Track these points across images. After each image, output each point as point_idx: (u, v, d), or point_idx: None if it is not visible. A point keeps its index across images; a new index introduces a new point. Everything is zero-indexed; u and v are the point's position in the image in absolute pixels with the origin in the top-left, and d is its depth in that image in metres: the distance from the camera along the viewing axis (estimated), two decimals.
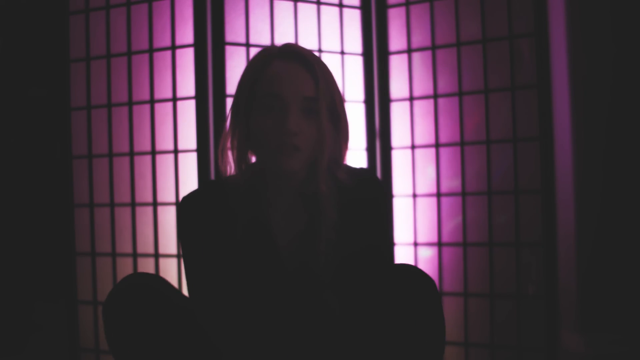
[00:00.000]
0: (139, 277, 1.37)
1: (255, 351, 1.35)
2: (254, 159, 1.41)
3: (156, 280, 1.38)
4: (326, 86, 1.33)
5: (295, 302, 1.34)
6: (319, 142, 1.32)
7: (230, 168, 1.38)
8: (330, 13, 2.38)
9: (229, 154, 1.36)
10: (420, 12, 2.41)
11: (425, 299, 1.26)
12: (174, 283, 2.26)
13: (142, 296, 1.31)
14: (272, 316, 1.34)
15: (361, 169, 1.44)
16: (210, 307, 1.35)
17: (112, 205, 2.33)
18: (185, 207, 1.39)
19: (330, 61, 2.37)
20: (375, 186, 1.42)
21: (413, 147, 2.43)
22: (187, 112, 2.24)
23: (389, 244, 1.47)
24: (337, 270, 1.35)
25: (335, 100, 1.35)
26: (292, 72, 1.32)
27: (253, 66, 1.35)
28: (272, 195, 1.38)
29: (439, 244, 2.38)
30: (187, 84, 2.24)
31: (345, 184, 1.38)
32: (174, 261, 2.26)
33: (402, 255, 2.42)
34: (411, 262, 2.42)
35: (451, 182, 2.38)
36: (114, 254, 2.33)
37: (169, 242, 2.27)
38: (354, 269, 1.36)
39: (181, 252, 1.42)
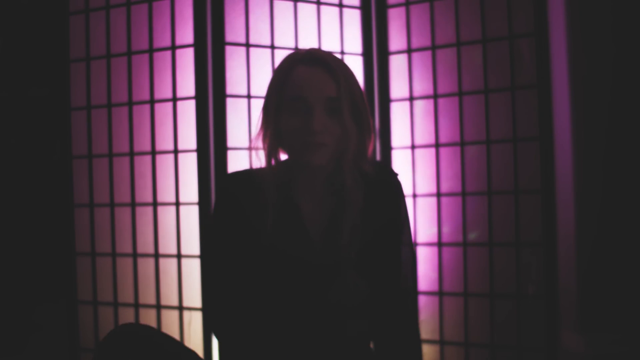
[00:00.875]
0: (129, 326, 1.45)
1: (281, 336, 1.47)
2: (283, 157, 1.52)
3: (147, 330, 1.45)
4: (347, 86, 1.44)
5: (322, 285, 1.44)
6: (344, 138, 1.43)
7: (261, 163, 1.49)
8: (330, 13, 2.39)
9: (260, 150, 1.48)
10: (420, 12, 2.41)
11: None
12: (174, 283, 2.26)
13: (130, 344, 1.39)
14: (300, 298, 1.45)
15: (380, 163, 1.61)
16: (234, 290, 1.47)
17: (112, 205, 2.33)
18: (227, 184, 1.51)
19: None
20: (393, 174, 1.56)
21: (413, 147, 2.43)
22: (187, 112, 2.24)
23: (409, 224, 1.60)
24: (362, 257, 1.46)
25: (356, 99, 1.47)
26: (315, 76, 1.43)
27: (280, 71, 1.47)
28: (301, 187, 1.49)
29: (439, 244, 2.38)
30: (187, 84, 2.24)
31: (370, 175, 1.50)
32: (174, 261, 2.26)
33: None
34: None
35: (451, 182, 2.38)
36: (114, 254, 2.33)
37: (169, 242, 2.28)
38: (379, 257, 1.49)
39: (212, 230, 1.52)
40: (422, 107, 2.42)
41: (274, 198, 1.46)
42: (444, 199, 2.38)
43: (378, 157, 2.45)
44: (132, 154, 2.31)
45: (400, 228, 1.55)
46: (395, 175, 1.57)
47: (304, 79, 1.42)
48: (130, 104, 2.31)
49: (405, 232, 1.56)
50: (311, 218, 1.49)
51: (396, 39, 2.45)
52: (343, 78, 1.44)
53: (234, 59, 2.22)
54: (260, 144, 1.48)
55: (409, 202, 2.43)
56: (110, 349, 1.38)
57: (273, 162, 1.48)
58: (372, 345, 1.56)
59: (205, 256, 1.53)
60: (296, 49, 2.30)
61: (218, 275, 1.48)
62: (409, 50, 2.43)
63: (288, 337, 1.47)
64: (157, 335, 1.44)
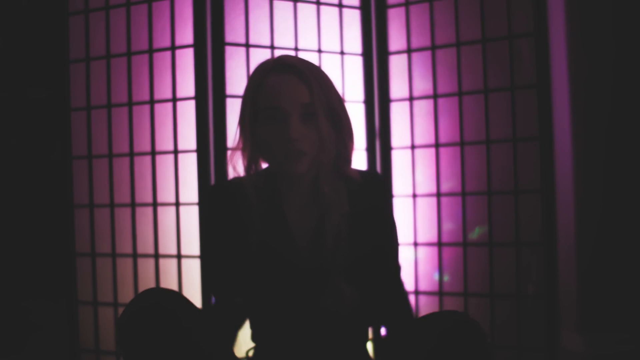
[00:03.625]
0: (154, 296, 1.38)
1: (273, 340, 1.48)
2: (264, 165, 1.52)
3: (171, 298, 1.39)
4: (321, 91, 1.42)
5: (310, 289, 1.43)
6: (321, 143, 1.42)
7: (240, 174, 1.50)
8: (330, 13, 2.39)
9: (239, 162, 1.48)
10: (419, 12, 2.41)
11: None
12: (174, 283, 2.26)
13: (153, 318, 1.34)
14: (290, 305, 1.45)
15: (365, 170, 1.56)
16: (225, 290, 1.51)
17: (112, 205, 2.33)
18: (214, 194, 1.52)
19: (330, 61, 2.37)
20: (381, 181, 1.55)
21: (413, 147, 2.43)
22: (187, 112, 2.24)
23: (397, 241, 1.58)
24: (350, 263, 1.45)
25: (333, 102, 1.44)
26: (287, 84, 1.41)
27: (252, 82, 1.46)
28: (286, 194, 1.49)
29: (439, 244, 2.38)
30: (186, 85, 2.24)
31: (355, 181, 1.48)
32: (174, 262, 2.26)
33: (402, 255, 2.41)
34: (411, 261, 2.42)
35: (451, 182, 2.38)
36: (113, 255, 2.33)
37: (169, 242, 2.28)
38: (366, 263, 1.48)
39: (203, 238, 1.60)
40: (422, 107, 2.42)
41: (259, 205, 1.46)
42: (444, 199, 2.38)
43: (378, 157, 2.45)
44: (132, 154, 2.31)
45: (389, 232, 1.53)
46: (381, 178, 1.57)
47: (276, 87, 1.41)
48: (130, 104, 2.31)
49: (393, 235, 1.55)
50: (297, 224, 1.48)
51: (396, 39, 2.45)
52: (316, 82, 1.42)
53: (234, 59, 2.22)
54: (239, 155, 1.47)
55: (409, 202, 2.44)
56: (133, 328, 1.33)
57: (253, 171, 1.47)
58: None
59: (203, 259, 1.54)
60: (296, 49, 2.31)
61: (215, 269, 1.50)
62: (409, 51, 2.42)
63: (281, 342, 1.47)
64: (179, 306, 1.37)
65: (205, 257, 1.55)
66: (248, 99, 1.45)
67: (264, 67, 1.46)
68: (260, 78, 1.44)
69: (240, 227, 1.46)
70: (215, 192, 1.53)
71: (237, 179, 1.50)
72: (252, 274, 1.45)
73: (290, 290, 1.44)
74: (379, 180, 1.54)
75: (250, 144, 1.45)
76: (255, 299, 1.48)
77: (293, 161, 1.40)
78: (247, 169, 1.47)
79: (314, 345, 1.46)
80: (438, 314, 1.38)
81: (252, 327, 1.56)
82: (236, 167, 1.48)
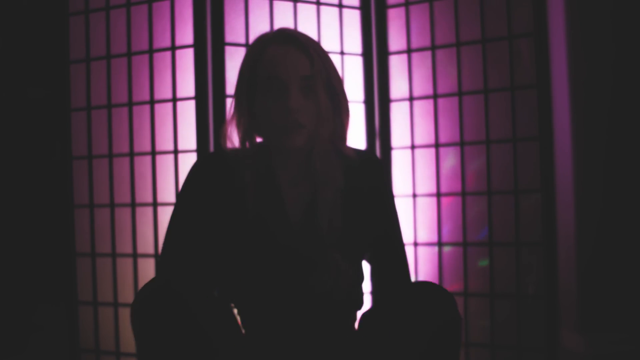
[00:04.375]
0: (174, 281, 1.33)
1: (267, 321, 1.44)
2: (258, 140, 1.49)
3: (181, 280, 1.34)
4: (321, 64, 1.42)
5: (302, 267, 1.40)
6: (319, 117, 1.41)
7: (234, 145, 1.46)
8: (330, 13, 2.39)
9: (233, 135, 1.45)
10: (419, 13, 2.41)
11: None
12: None
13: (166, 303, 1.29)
14: (279, 281, 1.41)
15: (362, 149, 1.55)
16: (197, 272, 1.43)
17: (112, 205, 2.33)
18: (199, 169, 1.47)
19: None
20: (377, 160, 1.54)
21: (413, 147, 2.43)
22: (187, 112, 2.24)
23: (398, 222, 1.57)
24: (345, 240, 1.43)
25: (331, 77, 1.44)
26: (288, 55, 1.40)
27: (251, 53, 1.44)
28: (280, 169, 1.47)
29: (439, 244, 2.38)
30: (187, 85, 2.24)
31: (351, 159, 1.48)
32: None
33: None
34: (411, 261, 2.42)
35: (451, 182, 2.38)
36: (114, 255, 2.33)
37: None
38: (364, 241, 1.48)
39: (174, 213, 1.47)
40: (422, 107, 2.42)
41: (252, 179, 1.43)
42: (443, 199, 2.38)
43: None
44: (132, 154, 2.31)
45: (387, 207, 1.52)
46: (378, 159, 1.55)
47: (277, 58, 1.40)
48: (130, 104, 2.31)
49: (392, 212, 1.54)
50: (290, 200, 1.46)
51: (396, 39, 2.45)
52: (316, 55, 1.41)
53: (234, 60, 2.22)
54: (233, 128, 1.45)
55: (409, 202, 2.44)
56: (147, 315, 1.28)
57: (248, 145, 1.45)
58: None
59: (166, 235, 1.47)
60: None
61: (174, 249, 1.43)
62: (409, 51, 2.43)
63: (272, 325, 1.44)
64: (194, 301, 1.30)
65: (177, 232, 1.45)
66: (246, 69, 1.43)
67: (263, 38, 1.45)
68: (259, 49, 1.42)
69: (232, 201, 1.43)
70: (206, 163, 1.48)
71: (231, 151, 1.46)
72: (243, 251, 1.42)
73: (281, 268, 1.41)
74: (375, 160, 1.54)
75: (247, 116, 1.43)
76: (244, 280, 1.44)
77: (291, 133, 1.38)
78: (242, 142, 1.45)
79: (305, 326, 1.43)
80: (423, 297, 1.33)
81: (240, 313, 1.52)
82: (231, 139, 1.45)
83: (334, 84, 1.44)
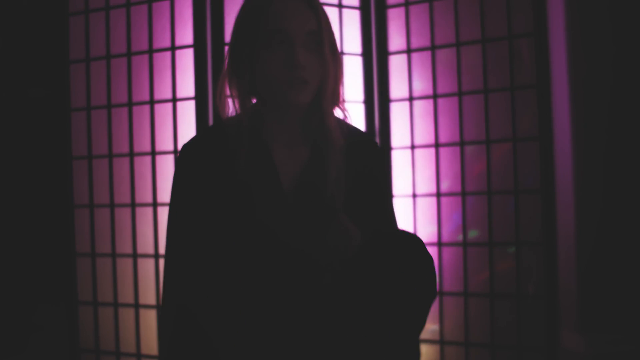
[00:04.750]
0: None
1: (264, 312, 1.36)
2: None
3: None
4: (326, 21, 1.38)
5: (300, 238, 1.35)
6: (323, 74, 1.36)
7: (229, 110, 1.41)
8: (329, 13, 2.36)
9: (229, 95, 1.40)
10: (419, 12, 2.41)
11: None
12: None
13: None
14: (276, 259, 1.35)
15: (355, 126, 1.50)
16: (201, 266, 1.36)
17: (112, 205, 2.33)
18: (184, 155, 1.40)
19: None
20: (378, 145, 1.50)
21: (413, 147, 2.43)
22: (187, 112, 2.24)
23: (394, 214, 1.53)
24: (345, 205, 1.38)
25: (332, 36, 1.40)
26: (295, 9, 1.35)
27: (254, 5, 1.38)
28: (274, 133, 1.41)
29: (439, 244, 2.38)
30: (186, 85, 2.24)
31: (352, 130, 1.44)
32: None
33: None
34: None
35: (451, 182, 2.38)
36: (114, 255, 2.33)
37: None
38: (358, 205, 1.41)
39: (170, 208, 1.41)
40: (422, 107, 2.42)
41: (245, 144, 1.36)
42: (444, 199, 2.38)
43: None
44: (132, 154, 2.31)
45: (383, 187, 1.50)
46: (374, 137, 1.51)
47: (283, 11, 1.34)
48: (130, 104, 2.31)
49: (387, 192, 1.50)
50: (284, 166, 1.39)
51: (395, 39, 2.45)
52: (322, 12, 1.37)
53: None
54: (227, 88, 1.38)
55: (409, 202, 2.44)
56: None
57: (248, 105, 1.39)
58: None
59: (167, 237, 1.41)
60: None
61: (181, 254, 1.37)
62: (409, 51, 2.42)
63: (264, 307, 1.36)
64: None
65: (178, 246, 1.38)
66: (249, 22, 1.36)
67: None
68: (263, 1, 1.36)
69: (216, 184, 1.36)
70: (183, 155, 1.40)
71: (218, 127, 1.41)
72: (233, 234, 1.35)
73: (278, 246, 1.35)
74: (376, 144, 1.50)
75: (246, 73, 1.36)
76: (238, 261, 1.36)
77: (297, 89, 1.33)
78: (242, 103, 1.38)
79: (303, 324, 1.36)
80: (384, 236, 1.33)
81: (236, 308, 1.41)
82: (226, 103, 1.40)
83: (334, 42, 1.40)
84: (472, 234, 2.35)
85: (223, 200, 1.36)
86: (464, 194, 2.35)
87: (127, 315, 2.33)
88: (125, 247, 2.33)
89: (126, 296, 2.32)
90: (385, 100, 2.45)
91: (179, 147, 2.24)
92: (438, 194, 2.38)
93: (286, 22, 1.33)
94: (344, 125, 1.44)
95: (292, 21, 1.34)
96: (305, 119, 1.41)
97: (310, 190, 1.38)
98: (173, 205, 1.41)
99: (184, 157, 1.40)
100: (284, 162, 1.40)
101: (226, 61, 1.40)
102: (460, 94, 2.35)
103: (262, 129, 1.40)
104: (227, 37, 2.21)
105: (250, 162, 1.37)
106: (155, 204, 2.28)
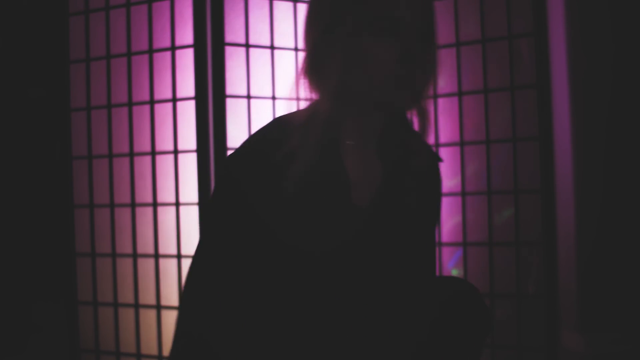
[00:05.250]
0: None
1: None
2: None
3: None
4: (434, 12, 1.17)
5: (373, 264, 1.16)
6: (425, 75, 1.16)
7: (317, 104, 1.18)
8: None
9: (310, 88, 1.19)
10: None
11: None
12: (174, 283, 2.26)
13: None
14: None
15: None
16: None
17: (112, 205, 2.33)
18: (229, 164, 1.19)
19: None
20: (437, 161, 1.32)
21: None
22: (187, 112, 2.24)
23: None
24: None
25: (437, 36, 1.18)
26: None
27: None
28: (349, 138, 1.19)
29: (439, 244, 2.38)
30: (186, 85, 2.24)
31: (424, 147, 1.25)
32: (174, 262, 2.26)
33: None
34: None
35: (451, 182, 2.38)
36: (114, 255, 2.33)
37: (169, 242, 2.27)
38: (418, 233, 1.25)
39: (210, 216, 1.19)
40: None
41: (308, 158, 1.12)
42: (444, 199, 2.38)
43: None
44: (132, 154, 2.31)
45: (438, 217, 1.34)
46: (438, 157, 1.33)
47: None
48: (130, 104, 2.31)
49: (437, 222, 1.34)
50: (357, 186, 1.17)
51: None
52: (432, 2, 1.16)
53: (234, 60, 2.22)
54: (308, 76, 1.17)
55: None
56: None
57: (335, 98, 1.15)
58: None
59: (199, 252, 1.17)
60: (296, 49, 2.30)
61: (211, 276, 1.13)
62: None
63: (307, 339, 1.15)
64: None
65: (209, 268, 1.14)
66: (345, 5, 1.14)
67: None
68: None
69: (266, 202, 1.12)
70: (229, 165, 1.17)
71: (273, 130, 1.17)
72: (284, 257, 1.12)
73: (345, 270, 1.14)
74: (436, 157, 1.31)
75: (342, 63, 1.12)
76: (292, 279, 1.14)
77: (401, 88, 1.12)
78: (331, 93, 1.13)
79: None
80: (439, 281, 1.21)
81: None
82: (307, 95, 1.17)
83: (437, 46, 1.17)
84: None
85: (277, 217, 1.13)
86: (464, 194, 2.34)
87: (127, 315, 2.33)
88: (125, 247, 2.32)
89: (126, 296, 2.32)
90: None
91: (179, 147, 2.25)
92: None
93: (400, 8, 1.12)
94: (417, 138, 1.25)
95: (407, 7, 1.12)
96: (389, 128, 1.22)
97: (390, 210, 1.18)
98: (215, 214, 1.17)
99: (241, 161, 1.16)
100: (357, 176, 1.18)
101: (311, 51, 1.20)
102: (460, 94, 2.35)
103: (338, 138, 1.18)
104: (227, 37, 2.20)
105: (317, 173, 1.14)
106: (155, 204, 2.28)
